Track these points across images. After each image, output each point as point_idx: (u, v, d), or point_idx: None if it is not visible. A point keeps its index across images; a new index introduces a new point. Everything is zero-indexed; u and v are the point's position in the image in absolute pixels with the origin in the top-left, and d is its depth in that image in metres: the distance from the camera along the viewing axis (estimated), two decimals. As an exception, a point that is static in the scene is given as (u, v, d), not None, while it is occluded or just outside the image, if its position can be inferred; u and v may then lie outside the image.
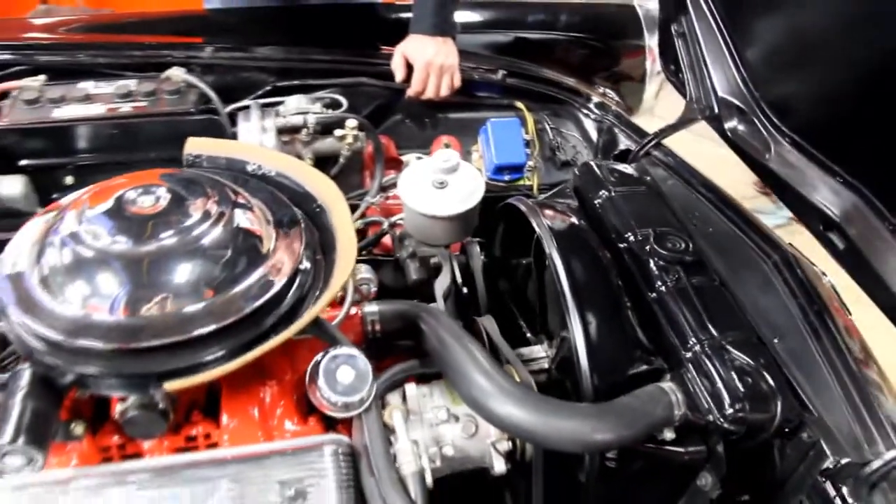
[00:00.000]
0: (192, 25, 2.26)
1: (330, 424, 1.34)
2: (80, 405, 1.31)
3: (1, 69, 1.98)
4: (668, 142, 1.86)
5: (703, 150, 1.58)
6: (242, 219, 1.28)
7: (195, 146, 1.52)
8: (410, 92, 2.08)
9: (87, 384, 1.18)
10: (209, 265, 1.22)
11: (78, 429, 1.27)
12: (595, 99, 2.14)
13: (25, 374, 1.21)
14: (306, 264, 1.30)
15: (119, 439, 1.30)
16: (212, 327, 1.17)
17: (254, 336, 1.20)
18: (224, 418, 1.30)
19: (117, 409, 1.25)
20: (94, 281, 1.19)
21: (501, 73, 2.14)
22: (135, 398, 1.23)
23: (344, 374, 1.21)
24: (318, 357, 1.23)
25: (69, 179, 1.89)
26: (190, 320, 1.17)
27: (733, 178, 1.51)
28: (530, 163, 2.04)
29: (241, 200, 1.32)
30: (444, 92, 2.07)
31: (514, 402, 1.20)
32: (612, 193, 1.66)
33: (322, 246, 1.36)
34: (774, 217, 1.49)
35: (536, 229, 1.51)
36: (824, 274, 1.56)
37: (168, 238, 1.21)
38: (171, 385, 1.13)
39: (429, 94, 2.06)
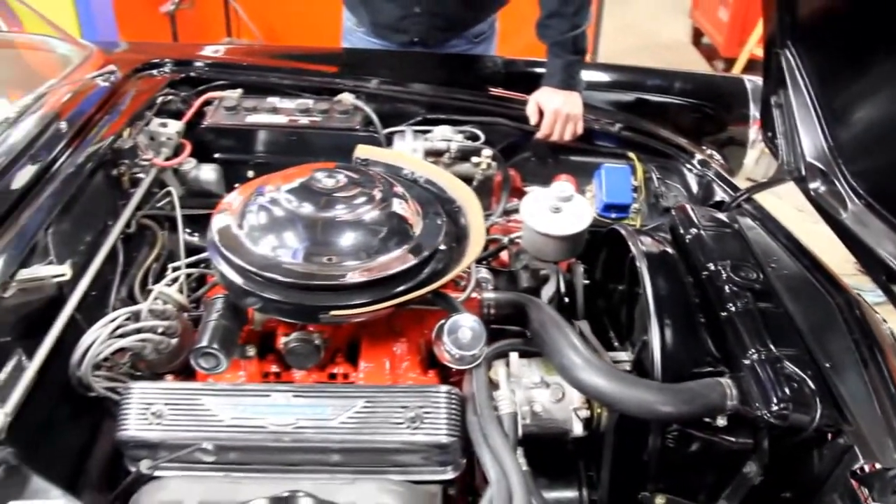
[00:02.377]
0: (356, 60, 2.69)
1: (444, 381, 1.66)
2: (252, 336, 1.68)
3: (209, 82, 2.44)
4: (794, 219, 2.11)
5: (817, 229, 1.83)
6: (398, 206, 1.64)
7: (363, 151, 1.90)
8: (540, 135, 2.41)
9: (269, 309, 1.55)
10: (368, 235, 1.58)
11: (250, 351, 1.65)
12: (699, 156, 2.41)
13: (219, 301, 1.61)
14: (443, 247, 1.64)
15: (277, 368, 1.67)
16: (363, 279, 1.53)
17: (393, 293, 1.55)
18: (361, 363, 1.65)
19: (282, 340, 1.62)
20: (282, 234, 1.58)
21: (619, 125, 2.45)
22: (297, 333, 1.60)
23: (463, 334, 1.53)
24: (445, 320, 1.56)
25: (250, 173, 2.31)
26: (347, 273, 1.54)
27: (840, 255, 1.75)
28: (635, 205, 2.31)
29: (398, 193, 1.67)
30: (568, 137, 2.40)
31: (596, 372, 1.50)
32: (702, 231, 1.92)
33: (457, 237, 1.71)
34: (874, 295, 1.70)
35: (632, 248, 1.79)
36: (884, 321, 1.78)
37: (341, 210, 1.58)
38: (336, 313, 1.48)
39: (555, 137, 2.39)
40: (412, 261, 1.57)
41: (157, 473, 1.48)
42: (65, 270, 1.58)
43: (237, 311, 1.62)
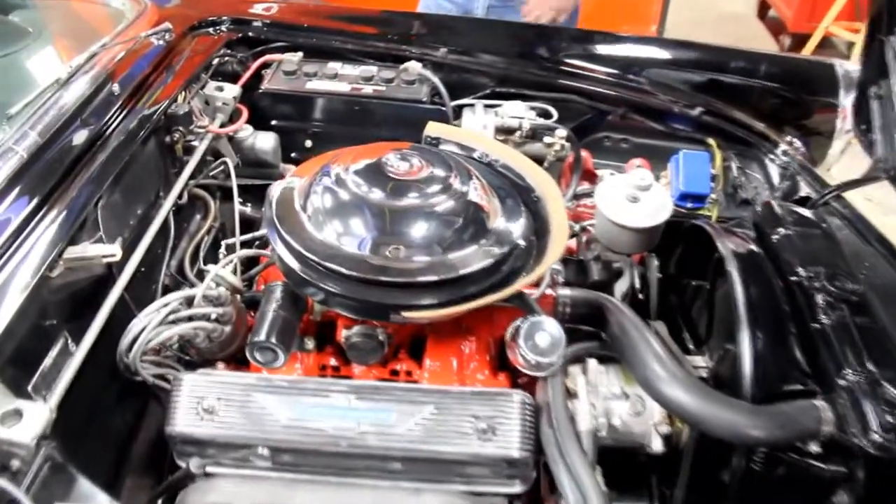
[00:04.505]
0: (425, 26, 2.52)
1: (514, 384, 1.55)
2: (310, 327, 1.58)
3: (268, 43, 2.31)
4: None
5: (888, 221, 1.69)
6: (475, 196, 1.51)
7: (434, 130, 1.77)
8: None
9: (331, 303, 1.45)
10: (443, 228, 1.46)
11: (309, 344, 1.55)
12: (782, 146, 2.26)
13: (278, 288, 1.50)
14: (522, 243, 1.51)
15: (335, 361, 1.57)
16: (435, 278, 1.41)
17: (469, 293, 1.43)
18: (427, 361, 1.54)
19: (343, 334, 1.51)
20: (348, 221, 1.46)
21: (699, 109, 2.30)
22: (360, 327, 1.49)
23: (541, 339, 1.42)
24: (521, 321, 1.44)
25: (308, 143, 2.21)
26: (419, 269, 1.41)
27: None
28: (713, 195, 2.18)
29: (476, 180, 1.55)
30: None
31: (683, 387, 1.37)
32: (790, 231, 1.78)
33: (537, 230, 1.58)
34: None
35: (721, 249, 1.66)
36: None
37: (415, 199, 1.46)
38: (409, 315, 1.36)
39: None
40: (490, 258, 1.45)
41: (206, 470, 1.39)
42: (115, 250, 1.48)
43: (297, 299, 1.51)
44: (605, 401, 1.50)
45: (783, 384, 1.48)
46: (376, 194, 1.46)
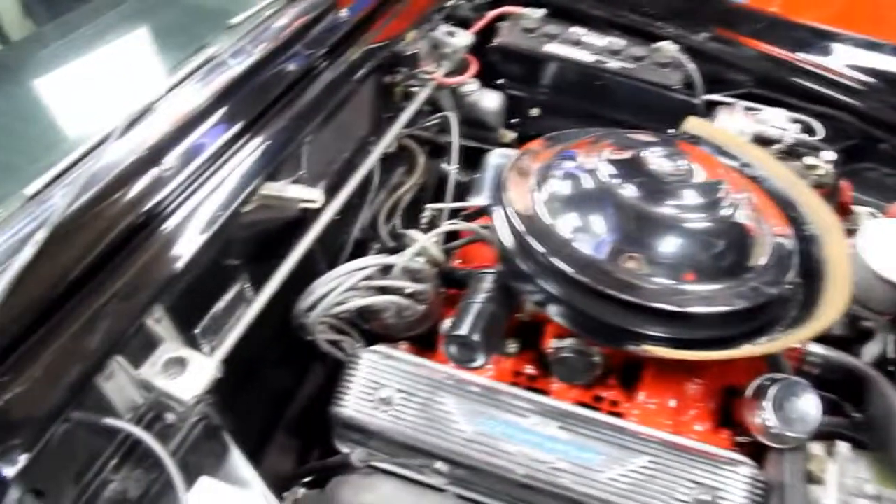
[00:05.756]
0: (687, 4, 2.21)
1: (735, 444, 1.30)
2: (513, 325, 1.36)
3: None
4: None
5: None
6: (745, 218, 1.25)
7: (695, 127, 1.51)
8: None
9: (551, 310, 1.23)
10: (700, 250, 1.22)
11: (512, 347, 1.33)
12: None
13: (490, 277, 1.29)
14: (789, 289, 1.25)
15: (533, 370, 1.34)
16: (688, 310, 1.16)
17: (721, 336, 1.19)
18: (641, 395, 1.30)
19: (552, 344, 1.29)
20: (589, 216, 1.23)
21: None
22: (574, 342, 1.27)
23: (793, 408, 1.17)
24: (769, 379, 1.19)
25: (534, 111, 1.97)
26: (669, 295, 1.17)
27: None
28: None
29: (749, 199, 1.29)
30: None
31: None
32: None
33: (808, 272, 1.30)
34: None
35: None
36: None
37: (674, 207, 1.22)
38: (652, 350, 1.13)
39: None
40: (759, 298, 1.19)
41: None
42: (317, 196, 1.29)
43: (510, 294, 1.30)
44: (849, 496, 1.23)
45: None
46: (630, 191, 1.22)
